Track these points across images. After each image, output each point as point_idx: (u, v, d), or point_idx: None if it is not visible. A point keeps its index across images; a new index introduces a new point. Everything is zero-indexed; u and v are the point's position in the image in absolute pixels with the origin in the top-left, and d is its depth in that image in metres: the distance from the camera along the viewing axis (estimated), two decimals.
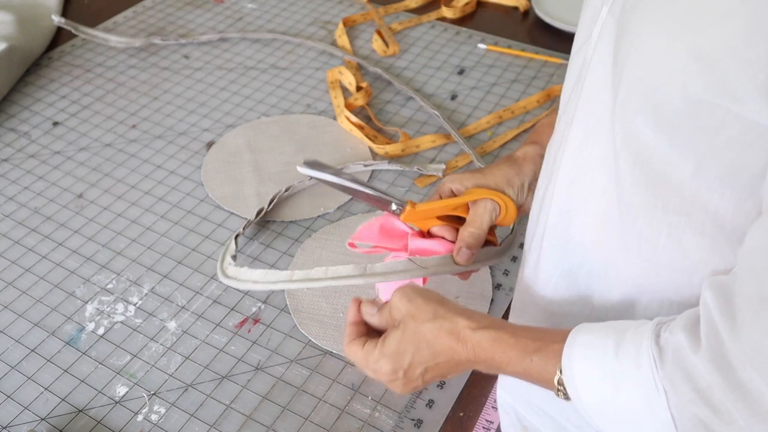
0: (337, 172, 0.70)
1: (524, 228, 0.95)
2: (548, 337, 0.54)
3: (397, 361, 0.59)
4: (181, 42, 1.30)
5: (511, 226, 0.76)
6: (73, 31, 1.30)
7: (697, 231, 0.49)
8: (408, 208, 0.68)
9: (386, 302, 0.63)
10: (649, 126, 0.48)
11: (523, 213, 0.71)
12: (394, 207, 0.69)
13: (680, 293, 0.53)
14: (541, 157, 0.70)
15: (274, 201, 0.96)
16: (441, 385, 0.77)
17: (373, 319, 0.63)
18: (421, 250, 0.69)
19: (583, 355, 0.50)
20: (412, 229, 0.70)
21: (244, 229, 0.91)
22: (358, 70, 1.25)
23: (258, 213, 0.94)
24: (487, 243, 0.71)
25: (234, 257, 0.82)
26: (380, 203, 0.70)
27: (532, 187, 0.70)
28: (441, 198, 0.71)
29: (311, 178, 0.71)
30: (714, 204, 0.47)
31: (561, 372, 0.51)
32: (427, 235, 0.70)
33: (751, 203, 0.46)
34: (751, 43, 0.40)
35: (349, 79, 1.19)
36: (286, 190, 0.98)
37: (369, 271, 0.66)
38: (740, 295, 0.43)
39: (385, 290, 0.70)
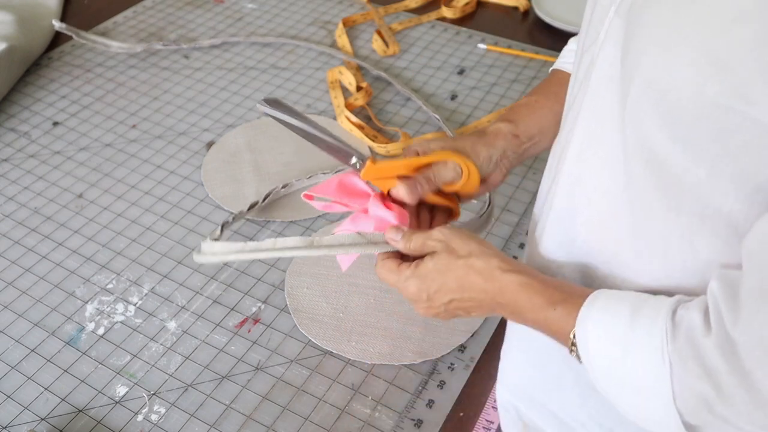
0: (297, 115, 0.67)
1: (524, 227, 0.95)
2: (576, 291, 0.55)
3: (424, 284, 0.60)
4: (183, 47, 1.30)
5: (486, 207, 0.75)
6: (75, 36, 1.29)
7: (711, 233, 0.49)
8: (368, 164, 0.65)
9: (411, 229, 0.64)
10: (662, 129, 0.47)
11: (486, 189, 0.70)
12: (354, 160, 0.66)
13: (691, 295, 0.53)
14: (514, 135, 0.69)
15: (270, 196, 0.96)
16: (441, 384, 0.77)
17: (398, 244, 0.64)
18: (379, 219, 0.66)
19: (599, 318, 0.51)
20: (373, 189, 0.67)
21: (233, 219, 0.91)
22: (359, 70, 1.25)
23: (251, 206, 0.94)
24: (447, 209, 0.70)
25: (216, 240, 0.81)
26: (340, 155, 0.67)
27: (500, 163, 0.69)
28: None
29: (272, 117, 0.66)
30: (728, 207, 0.47)
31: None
32: (388, 197, 0.66)
33: (765, 207, 0.46)
34: (766, 45, 0.40)
35: (349, 79, 1.19)
36: (283, 187, 0.98)
37: (316, 244, 0.65)
38: (744, 289, 0.44)
39: (342, 261, 0.69)
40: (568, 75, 0.73)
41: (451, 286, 0.60)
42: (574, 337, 0.52)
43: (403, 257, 0.64)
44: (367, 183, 0.67)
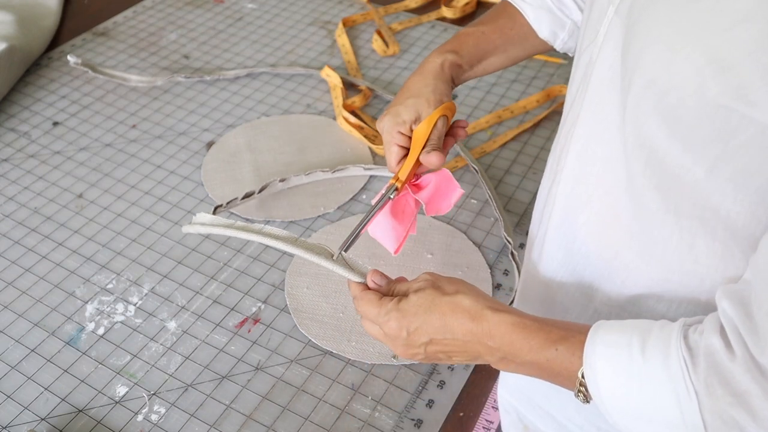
0: (350, 237, 0.69)
1: (524, 227, 0.95)
2: (572, 327, 0.52)
3: (405, 320, 0.57)
4: (205, 78, 1.23)
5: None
6: (90, 72, 1.23)
7: (710, 236, 0.49)
8: (399, 185, 0.69)
9: (395, 281, 0.63)
10: (662, 129, 0.47)
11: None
12: (392, 196, 0.70)
13: (690, 298, 0.53)
14: (458, 65, 0.73)
15: (266, 188, 0.96)
16: (441, 384, 0.77)
17: (381, 289, 0.62)
18: (430, 196, 0.71)
19: (607, 354, 0.49)
20: (406, 189, 0.71)
21: (227, 204, 0.91)
22: (359, 71, 1.25)
23: (246, 195, 0.94)
24: (447, 136, 0.73)
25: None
26: (383, 205, 0.70)
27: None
28: (399, 146, 0.71)
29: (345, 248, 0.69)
30: (726, 209, 0.47)
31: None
32: (417, 170, 0.71)
33: (762, 210, 0.46)
34: (767, 47, 0.40)
35: (335, 81, 1.19)
36: (281, 181, 0.98)
37: (299, 243, 0.67)
38: (758, 309, 0.43)
39: (387, 244, 0.71)
40: (518, 11, 0.75)
41: (434, 324, 0.56)
42: (582, 376, 0.50)
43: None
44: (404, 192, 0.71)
